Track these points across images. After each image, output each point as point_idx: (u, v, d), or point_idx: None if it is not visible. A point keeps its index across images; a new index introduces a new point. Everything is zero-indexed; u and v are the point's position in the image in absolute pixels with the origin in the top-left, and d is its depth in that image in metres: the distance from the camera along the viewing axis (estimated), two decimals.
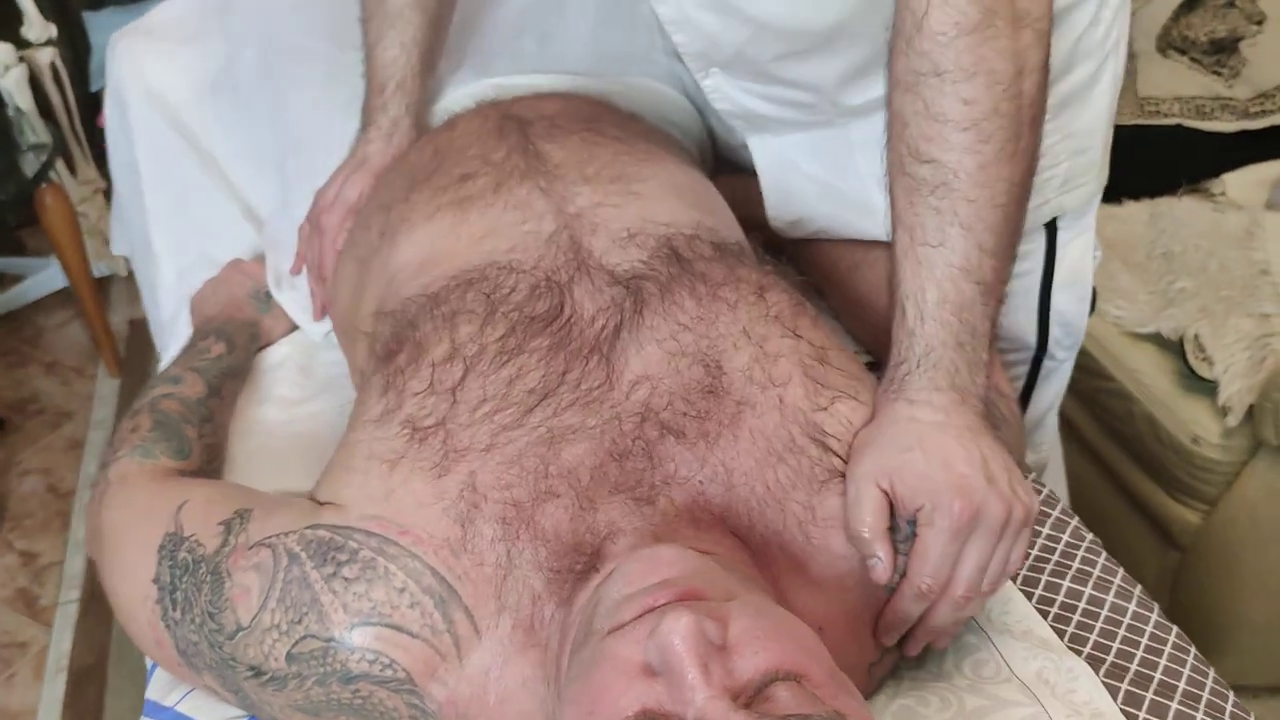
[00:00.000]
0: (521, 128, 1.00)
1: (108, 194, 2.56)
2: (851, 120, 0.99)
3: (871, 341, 1.07)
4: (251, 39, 1.26)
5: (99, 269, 2.55)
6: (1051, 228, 1.03)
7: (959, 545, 0.72)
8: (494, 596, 0.70)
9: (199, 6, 1.37)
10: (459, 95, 1.13)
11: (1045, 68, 0.76)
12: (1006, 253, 0.77)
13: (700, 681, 0.55)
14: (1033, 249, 1.02)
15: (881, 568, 0.72)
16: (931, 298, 0.76)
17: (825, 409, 0.78)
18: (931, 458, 0.72)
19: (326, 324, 1.15)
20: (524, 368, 0.77)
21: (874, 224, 1.03)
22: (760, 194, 1.19)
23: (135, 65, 1.34)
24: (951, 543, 0.71)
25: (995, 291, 0.78)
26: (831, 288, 1.10)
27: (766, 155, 1.06)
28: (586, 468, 0.74)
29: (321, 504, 0.77)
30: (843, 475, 0.76)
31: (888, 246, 1.04)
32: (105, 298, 2.53)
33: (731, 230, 0.95)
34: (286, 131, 1.19)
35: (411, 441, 0.75)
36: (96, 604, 1.91)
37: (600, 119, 1.05)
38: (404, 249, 0.91)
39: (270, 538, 0.74)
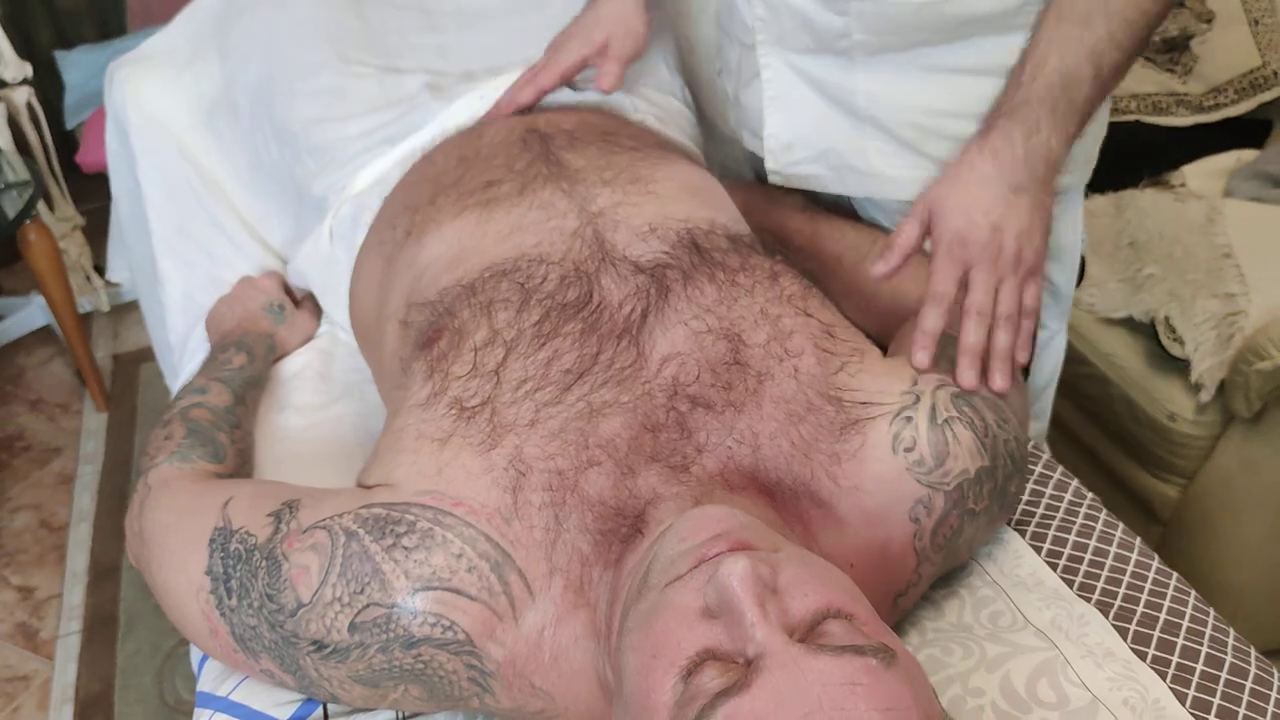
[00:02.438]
0: (543, 140, 1.05)
1: (86, 230, 2.58)
2: (861, 66, 1.04)
3: (874, 328, 1.12)
4: (253, 59, 1.30)
5: (81, 305, 2.56)
6: None
7: (956, 266, 0.88)
8: (545, 559, 0.75)
9: (194, 34, 1.41)
10: (476, 98, 1.17)
11: None
12: (1126, 59, 0.88)
13: (759, 617, 0.59)
14: None
15: (882, 264, 0.90)
16: (1052, 63, 0.86)
17: (836, 373, 0.84)
18: (962, 196, 0.88)
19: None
20: (559, 350, 0.82)
21: (858, 173, 1.10)
22: (757, 200, 1.25)
23: (134, 92, 1.38)
24: (946, 258, 0.88)
25: (1104, 86, 0.88)
26: (837, 278, 1.15)
27: (778, 64, 1.10)
28: (624, 439, 0.78)
29: (371, 487, 0.80)
30: (858, 423, 0.81)
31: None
32: (88, 333, 2.53)
33: (740, 225, 1.01)
34: (295, 142, 1.22)
35: (459, 420, 0.79)
36: (99, 633, 1.92)
37: (616, 132, 1.10)
38: (431, 246, 0.96)
39: (324, 520, 0.78)
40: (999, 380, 0.88)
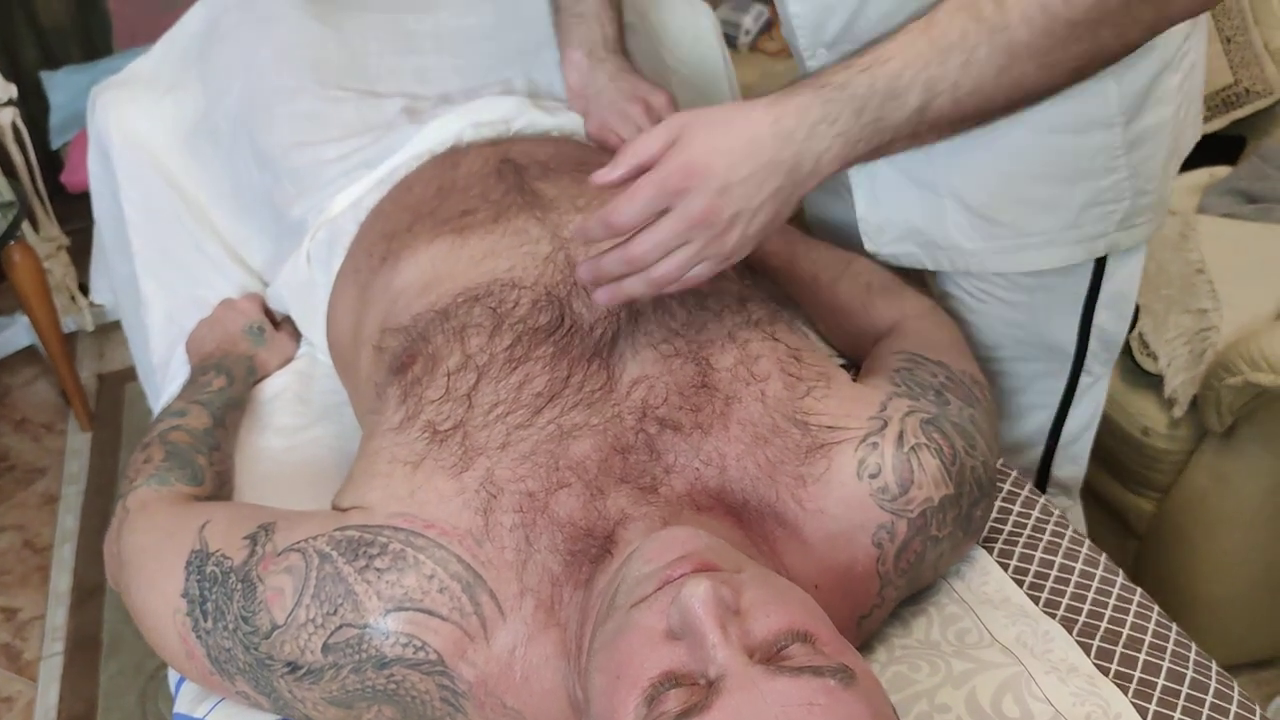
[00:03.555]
0: (518, 171, 1.07)
1: (71, 250, 2.58)
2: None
3: (847, 346, 1.14)
4: (234, 84, 1.31)
5: (66, 325, 2.56)
6: None
7: (660, 198, 0.77)
8: (516, 579, 0.76)
9: (177, 58, 1.42)
10: (451, 119, 1.19)
11: (1137, 33, 0.78)
12: (961, 117, 0.79)
13: (720, 639, 0.60)
14: (1080, 265, 1.05)
15: (605, 172, 0.80)
16: (891, 67, 0.77)
17: (802, 398, 0.85)
18: (720, 137, 0.77)
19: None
20: (531, 373, 0.83)
21: (941, 249, 1.07)
22: None
23: (117, 116, 1.39)
24: (655, 184, 0.76)
25: (923, 129, 0.79)
26: (813, 297, 1.17)
27: None
28: (594, 461, 0.80)
29: (345, 510, 0.81)
30: (824, 447, 0.82)
31: (869, 260, 1.12)
32: (72, 353, 2.53)
33: None
34: (275, 167, 1.23)
35: (432, 443, 0.80)
36: (82, 654, 1.92)
37: (589, 161, 1.12)
38: (406, 271, 0.97)
39: (299, 543, 0.79)
40: (603, 296, 0.81)
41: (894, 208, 1.08)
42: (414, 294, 0.94)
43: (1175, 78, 0.96)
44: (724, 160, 0.76)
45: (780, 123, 0.77)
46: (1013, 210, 1.01)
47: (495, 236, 0.96)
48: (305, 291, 1.18)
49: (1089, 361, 1.12)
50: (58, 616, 2.01)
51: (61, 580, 2.09)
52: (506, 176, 1.06)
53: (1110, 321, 1.10)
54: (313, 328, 1.20)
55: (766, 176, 0.77)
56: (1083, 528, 1.33)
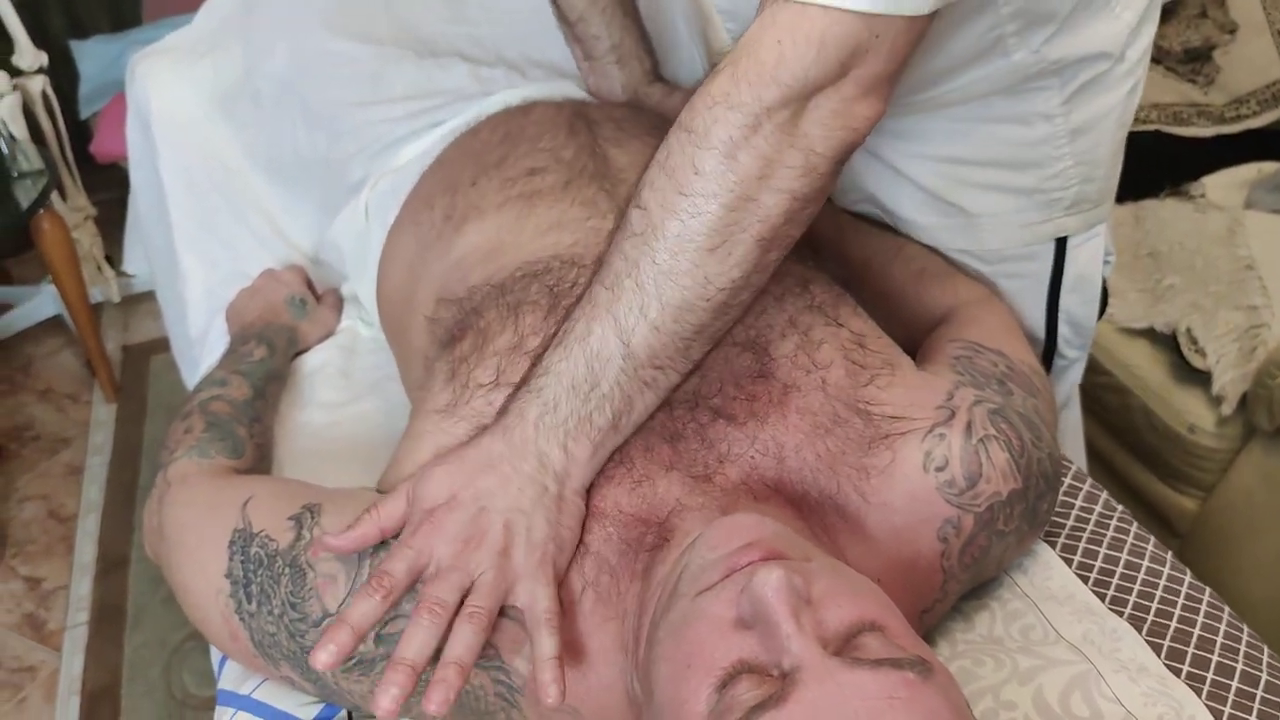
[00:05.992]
0: (590, 128, 1.04)
1: (98, 221, 2.57)
2: (888, 118, 1.01)
3: (899, 331, 1.11)
4: (279, 45, 1.28)
5: (92, 295, 2.55)
6: None
7: (419, 553, 0.71)
8: (577, 574, 0.74)
9: (217, 24, 1.40)
10: (530, 88, 1.17)
11: (804, 203, 0.72)
12: (670, 341, 0.72)
13: (794, 629, 0.58)
14: (1041, 250, 1.06)
15: (335, 540, 0.74)
16: (579, 330, 0.74)
17: (865, 386, 0.82)
18: (454, 470, 0.74)
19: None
20: None
21: (898, 219, 1.08)
22: None
23: (156, 84, 1.37)
24: (405, 543, 0.72)
25: (642, 370, 0.73)
26: (865, 280, 1.14)
27: None
28: (638, 449, 0.77)
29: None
30: (888, 438, 0.80)
31: (921, 245, 1.10)
32: (98, 324, 2.52)
33: None
34: (332, 125, 1.21)
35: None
36: (107, 625, 1.91)
37: (661, 126, 1.09)
38: (470, 235, 0.94)
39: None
40: (432, 704, 0.66)
41: (853, 173, 1.08)
42: (473, 263, 0.92)
43: (1120, 67, 0.94)
44: (466, 484, 0.73)
45: (508, 433, 0.74)
46: (960, 192, 1.01)
47: (564, 206, 0.93)
48: (360, 242, 1.15)
49: (1061, 346, 1.12)
50: (82, 587, 2.00)
51: (86, 551, 2.08)
52: (579, 132, 1.03)
53: (1077, 305, 1.09)
54: (364, 280, 1.17)
55: (523, 483, 0.73)
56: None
